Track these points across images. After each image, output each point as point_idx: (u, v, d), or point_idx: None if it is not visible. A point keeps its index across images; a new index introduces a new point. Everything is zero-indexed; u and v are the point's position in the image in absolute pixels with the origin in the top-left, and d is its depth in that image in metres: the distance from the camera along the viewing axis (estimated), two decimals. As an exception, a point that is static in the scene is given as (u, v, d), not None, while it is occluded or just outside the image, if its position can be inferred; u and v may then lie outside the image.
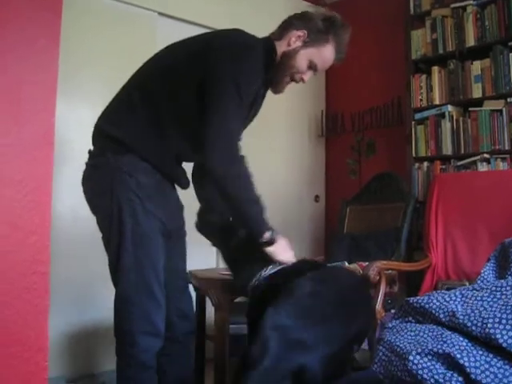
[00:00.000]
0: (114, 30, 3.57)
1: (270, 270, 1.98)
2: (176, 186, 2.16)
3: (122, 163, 1.92)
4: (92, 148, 2.10)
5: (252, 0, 4.32)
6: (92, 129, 3.38)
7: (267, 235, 1.95)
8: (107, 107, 2.11)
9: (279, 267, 1.99)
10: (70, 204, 3.20)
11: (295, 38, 2.03)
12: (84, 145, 3.32)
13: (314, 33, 2.03)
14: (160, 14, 3.81)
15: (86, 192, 2.08)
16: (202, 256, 4.00)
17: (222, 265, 3.98)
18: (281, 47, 2.05)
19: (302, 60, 2.04)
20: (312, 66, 2.07)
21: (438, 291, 1.26)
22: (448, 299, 1.18)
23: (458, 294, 1.24)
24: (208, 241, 2.26)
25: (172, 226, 2.06)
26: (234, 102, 1.86)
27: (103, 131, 2.03)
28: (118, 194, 1.91)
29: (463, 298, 1.19)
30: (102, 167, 1.98)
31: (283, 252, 2.01)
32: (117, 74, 3.52)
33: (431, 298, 1.22)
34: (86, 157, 3.32)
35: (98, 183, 2.00)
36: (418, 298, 1.28)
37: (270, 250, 1.97)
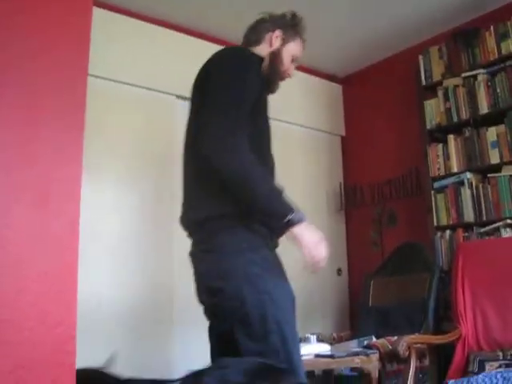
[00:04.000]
0: (134, 114, 3.69)
1: None
2: None
3: (238, 239, 1.83)
4: (194, 237, 1.97)
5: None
6: (115, 212, 3.47)
7: (291, 216, 1.76)
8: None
9: None
10: (94, 288, 3.20)
11: (274, 38, 2.13)
12: (107, 227, 3.41)
13: (287, 30, 2.14)
14: (178, 96, 3.91)
15: (201, 277, 1.93)
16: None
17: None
18: (263, 51, 2.12)
19: (287, 57, 2.13)
20: (294, 60, 2.17)
21: (479, 376, 1.21)
22: (489, 382, 1.13)
23: (498, 376, 1.20)
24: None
25: None
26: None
27: (199, 216, 1.91)
28: (243, 275, 1.78)
29: (505, 381, 1.14)
30: (217, 250, 1.85)
31: (311, 235, 1.79)
32: (137, 157, 3.65)
33: (471, 380, 1.17)
34: (109, 238, 3.40)
35: (216, 266, 1.85)
36: (458, 380, 1.23)
37: (295, 231, 1.76)
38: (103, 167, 3.45)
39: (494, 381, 1.14)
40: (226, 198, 1.82)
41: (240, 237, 1.82)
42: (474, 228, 3.72)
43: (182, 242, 3.71)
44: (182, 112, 3.92)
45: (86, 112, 1.15)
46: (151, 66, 3.78)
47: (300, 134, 4.76)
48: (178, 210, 3.75)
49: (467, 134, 3.82)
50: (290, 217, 1.76)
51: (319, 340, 2.79)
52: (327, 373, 3.08)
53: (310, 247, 1.76)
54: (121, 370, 2.95)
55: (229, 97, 1.82)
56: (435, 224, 3.91)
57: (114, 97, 3.60)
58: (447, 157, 3.92)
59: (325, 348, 2.61)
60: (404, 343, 2.60)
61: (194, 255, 1.93)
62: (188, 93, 4.02)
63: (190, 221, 1.95)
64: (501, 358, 2.89)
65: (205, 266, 1.88)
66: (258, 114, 1.98)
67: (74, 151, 1.13)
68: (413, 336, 2.78)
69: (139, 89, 3.73)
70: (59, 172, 1.11)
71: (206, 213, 1.86)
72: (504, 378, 1.13)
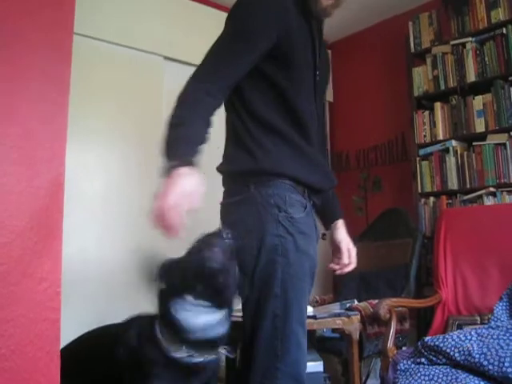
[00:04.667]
0: (122, 75, 3.65)
1: None
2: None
3: (268, 196, 1.69)
4: (224, 189, 1.85)
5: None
6: (100, 172, 3.46)
7: (170, 164, 1.47)
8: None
9: None
10: (79, 246, 3.21)
11: None
12: (92, 187, 3.41)
13: None
14: (166, 58, 3.88)
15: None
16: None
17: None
18: None
19: None
20: None
21: (454, 332, 1.24)
22: (463, 338, 1.16)
23: (473, 332, 1.23)
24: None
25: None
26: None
27: (234, 168, 1.79)
28: (266, 232, 1.65)
29: (479, 337, 1.17)
30: (245, 203, 1.71)
31: (168, 189, 1.42)
32: (124, 117, 3.62)
33: (446, 337, 1.21)
34: (94, 198, 3.40)
35: (240, 221, 1.71)
36: (434, 337, 1.26)
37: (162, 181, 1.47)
38: (89, 127, 3.42)
39: (469, 337, 1.17)
40: (251, 154, 1.70)
41: (270, 192, 1.68)
42: (458, 195, 3.76)
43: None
44: (169, 73, 3.92)
45: (71, 70, 1.15)
46: (139, 27, 3.73)
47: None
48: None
49: (454, 102, 3.83)
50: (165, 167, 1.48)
51: (302, 302, 2.82)
52: (309, 334, 3.13)
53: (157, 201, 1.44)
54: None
55: (217, 47, 1.72)
56: (419, 190, 3.95)
57: (101, 57, 3.56)
58: (433, 124, 3.94)
59: (308, 310, 2.65)
60: (385, 306, 2.64)
61: (223, 206, 1.81)
62: (176, 54, 3.99)
63: (222, 173, 1.83)
64: (478, 322, 2.96)
65: (232, 218, 1.75)
66: (291, 66, 1.70)
67: (60, 109, 1.13)
68: (394, 299, 2.83)
69: (127, 49, 3.68)
70: (45, 129, 1.11)
71: (233, 167, 1.77)
72: (478, 334, 1.16)
